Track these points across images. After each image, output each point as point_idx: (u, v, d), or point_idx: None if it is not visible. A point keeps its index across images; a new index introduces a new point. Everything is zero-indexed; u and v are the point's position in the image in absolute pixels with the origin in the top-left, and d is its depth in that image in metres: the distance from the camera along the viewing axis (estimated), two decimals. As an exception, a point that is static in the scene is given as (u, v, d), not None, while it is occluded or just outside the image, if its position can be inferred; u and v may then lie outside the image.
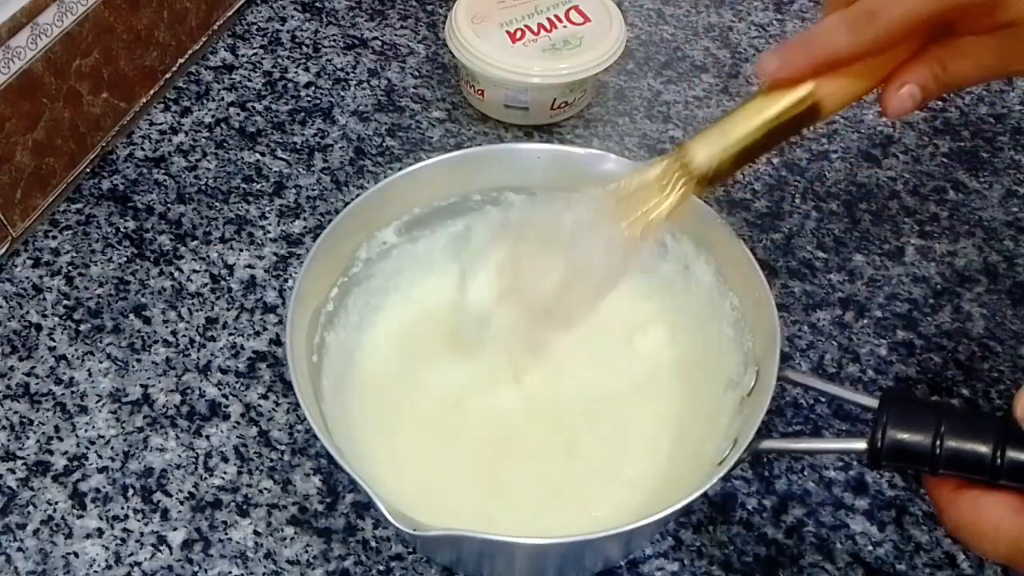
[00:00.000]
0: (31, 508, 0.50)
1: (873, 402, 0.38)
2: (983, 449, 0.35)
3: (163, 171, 0.66)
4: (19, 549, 0.49)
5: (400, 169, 0.51)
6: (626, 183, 0.43)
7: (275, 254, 0.62)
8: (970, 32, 0.39)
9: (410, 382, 0.52)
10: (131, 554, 0.49)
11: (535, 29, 0.67)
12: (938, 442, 0.36)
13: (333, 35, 0.76)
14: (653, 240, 0.44)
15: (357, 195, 0.50)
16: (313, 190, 0.66)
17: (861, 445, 0.38)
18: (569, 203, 0.44)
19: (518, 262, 0.47)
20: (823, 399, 0.56)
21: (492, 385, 0.51)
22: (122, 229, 0.63)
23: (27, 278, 0.60)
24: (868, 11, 0.37)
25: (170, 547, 0.49)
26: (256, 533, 0.50)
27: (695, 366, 0.52)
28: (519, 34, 0.67)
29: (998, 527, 0.34)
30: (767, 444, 0.41)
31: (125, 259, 0.61)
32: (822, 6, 0.42)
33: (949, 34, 0.40)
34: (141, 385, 0.55)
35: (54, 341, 0.57)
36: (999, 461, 0.34)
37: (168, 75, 0.71)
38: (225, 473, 0.52)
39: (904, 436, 0.36)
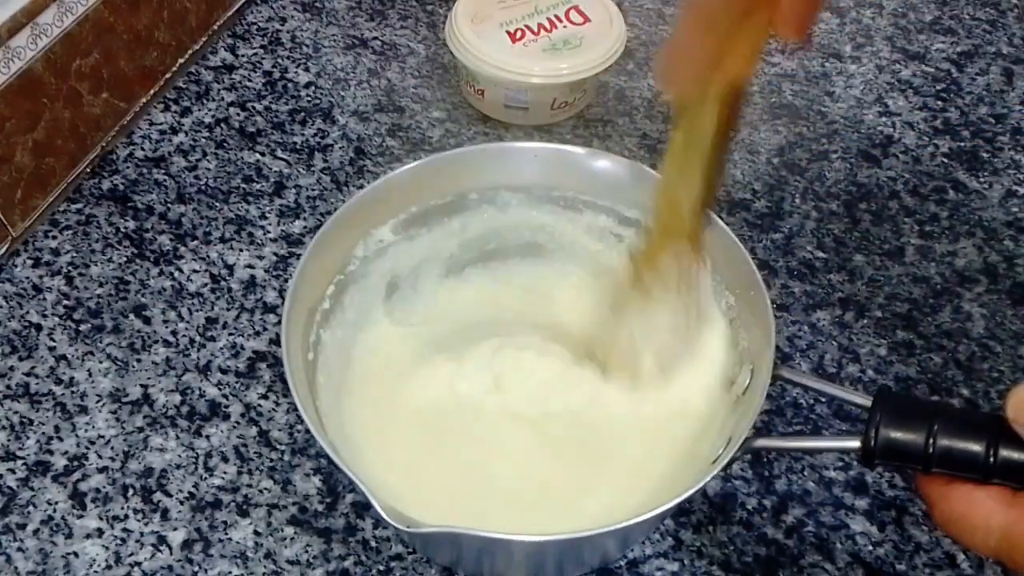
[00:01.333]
0: (31, 508, 0.50)
1: (867, 401, 0.38)
2: (976, 448, 0.35)
3: (163, 171, 0.66)
4: (19, 549, 0.49)
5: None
6: (631, 266, 0.46)
7: (275, 254, 0.62)
8: None
9: (406, 380, 0.52)
10: (131, 554, 0.49)
11: (535, 29, 0.67)
12: (931, 440, 0.35)
13: (333, 35, 0.76)
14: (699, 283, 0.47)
15: (356, 195, 0.50)
16: (313, 190, 0.66)
17: (855, 444, 0.38)
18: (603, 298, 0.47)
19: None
20: (823, 399, 0.56)
21: (487, 383, 0.51)
22: (122, 229, 0.63)
23: (27, 278, 0.60)
24: None
25: (170, 547, 0.49)
26: (256, 533, 0.50)
27: (690, 365, 0.52)
28: (519, 34, 0.67)
29: (989, 520, 0.34)
30: (761, 442, 0.42)
31: (125, 259, 0.61)
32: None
33: None
34: (141, 385, 0.55)
35: (54, 341, 0.57)
36: (992, 460, 0.34)
37: (168, 75, 0.71)
38: (225, 473, 0.52)
39: (897, 435, 0.36)
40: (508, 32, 0.67)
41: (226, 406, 0.55)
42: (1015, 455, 0.34)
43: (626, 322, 0.48)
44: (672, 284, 0.46)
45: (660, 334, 0.47)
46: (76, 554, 0.49)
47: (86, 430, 0.53)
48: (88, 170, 0.66)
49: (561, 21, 0.68)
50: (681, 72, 0.39)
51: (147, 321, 0.58)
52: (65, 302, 0.59)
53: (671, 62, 0.39)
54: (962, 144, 0.71)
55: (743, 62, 0.39)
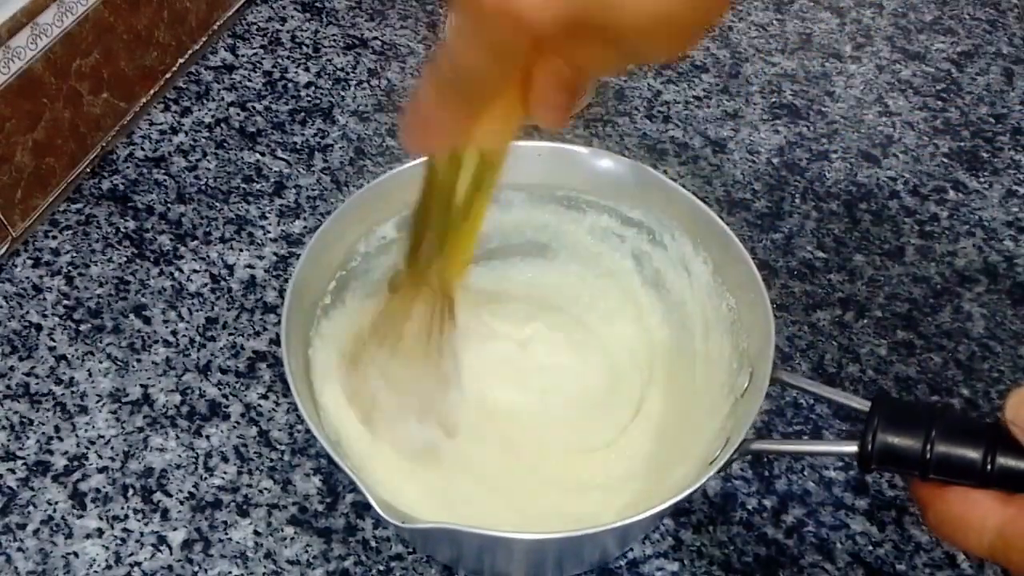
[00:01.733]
0: (31, 508, 0.50)
1: (864, 405, 0.38)
2: (973, 455, 0.34)
3: (163, 171, 0.66)
4: (19, 549, 0.49)
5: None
6: (384, 330, 0.46)
7: (275, 254, 0.62)
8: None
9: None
10: (131, 554, 0.49)
11: (535, 29, 0.67)
12: (928, 447, 0.35)
13: (333, 35, 0.76)
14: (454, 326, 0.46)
15: (357, 194, 0.50)
16: (313, 190, 0.66)
17: (852, 448, 0.37)
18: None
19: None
20: (823, 400, 0.56)
21: (489, 381, 0.51)
22: (122, 229, 0.63)
23: (27, 278, 0.60)
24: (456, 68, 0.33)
25: (170, 547, 0.49)
26: (256, 533, 0.50)
27: (691, 366, 0.52)
28: (519, 34, 0.67)
29: (985, 519, 0.34)
30: (758, 445, 0.42)
31: (125, 259, 0.61)
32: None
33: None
34: (141, 385, 0.55)
35: (54, 341, 0.57)
36: (989, 467, 0.34)
37: (168, 75, 0.71)
38: (225, 473, 0.52)
39: (894, 440, 0.36)
40: (508, 32, 0.67)
41: (226, 406, 0.55)
42: (1012, 462, 0.34)
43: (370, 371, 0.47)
44: (420, 345, 0.45)
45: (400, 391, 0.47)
46: (76, 554, 0.49)
47: (86, 430, 0.53)
48: (88, 170, 0.66)
49: (561, 21, 0.68)
50: (426, 134, 0.36)
51: (147, 321, 0.58)
52: (65, 302, 0.59)
53: (416, 121, 0.36)
54: (962, 144, 0.71)
55: (493, 137, 0.37)
